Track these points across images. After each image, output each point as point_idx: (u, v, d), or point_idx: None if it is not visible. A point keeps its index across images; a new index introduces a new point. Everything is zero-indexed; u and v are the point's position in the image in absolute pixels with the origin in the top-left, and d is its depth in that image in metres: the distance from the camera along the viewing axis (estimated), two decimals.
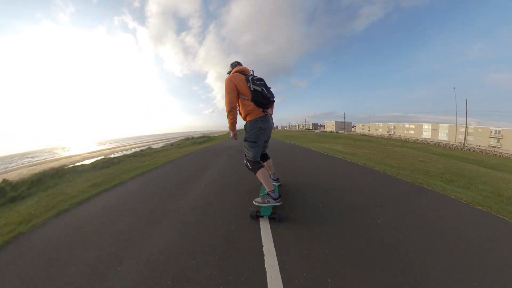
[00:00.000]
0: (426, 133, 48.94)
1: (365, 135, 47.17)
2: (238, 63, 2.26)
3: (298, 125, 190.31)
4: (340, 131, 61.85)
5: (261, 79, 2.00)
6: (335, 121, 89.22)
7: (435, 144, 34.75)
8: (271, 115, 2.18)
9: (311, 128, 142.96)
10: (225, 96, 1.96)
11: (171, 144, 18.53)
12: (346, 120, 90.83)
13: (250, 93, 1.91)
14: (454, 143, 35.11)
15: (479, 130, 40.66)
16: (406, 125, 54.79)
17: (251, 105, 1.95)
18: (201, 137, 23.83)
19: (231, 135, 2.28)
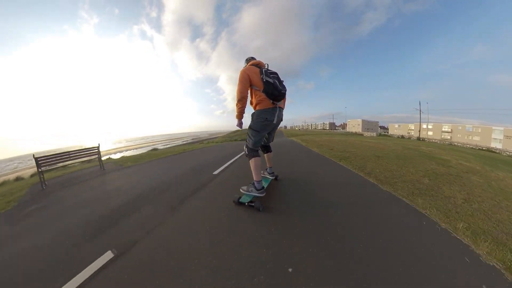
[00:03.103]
0: (496, 140, 37.66)
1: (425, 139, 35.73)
2: (253, 58, 2.32)
3: (311, 124, 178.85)
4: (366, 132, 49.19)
5: (275, 73, 2.06)
6: (362, 120, 76.73)
7: None
8: (281, 108, 2.18)
9: (327, 128, 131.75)
10: (238, 86, 2.00)
11: None
12: (371, 120, 79.70)
13: (262, 84, 1.97)
14: None
15: None
16: (469, 128, 41.36)
17: (262, 95, 2.00)
18: None
19: (237, 123, 2.23)
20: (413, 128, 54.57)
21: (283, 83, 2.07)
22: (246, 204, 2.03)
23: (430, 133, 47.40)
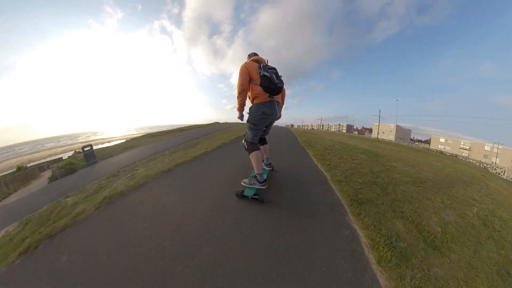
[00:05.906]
0: None
1: None
2: (255, 54, 2.37)
3: (322, 124, 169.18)
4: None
5: (273, 68, 2.11)
6: (396, 125, 63.16)
7: None
8: (278, 102, 2.25)
9: (344, 130, 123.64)
10: (238, 79, 2.10)
11: None
12: (406, 127, 67.58)
13: (259, 78, 2.02)
14: None
15: None
16: None
17: (259, 89, 2.05)
18: None
19: (238, 115, 2.31)
20: (468, 147, 46.25)
21: (281, 77, 2.14)
22: (250, 197, 2.07)
23: (494, 159, 38.90)
